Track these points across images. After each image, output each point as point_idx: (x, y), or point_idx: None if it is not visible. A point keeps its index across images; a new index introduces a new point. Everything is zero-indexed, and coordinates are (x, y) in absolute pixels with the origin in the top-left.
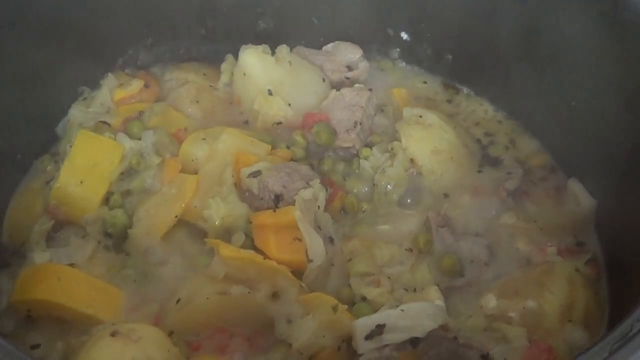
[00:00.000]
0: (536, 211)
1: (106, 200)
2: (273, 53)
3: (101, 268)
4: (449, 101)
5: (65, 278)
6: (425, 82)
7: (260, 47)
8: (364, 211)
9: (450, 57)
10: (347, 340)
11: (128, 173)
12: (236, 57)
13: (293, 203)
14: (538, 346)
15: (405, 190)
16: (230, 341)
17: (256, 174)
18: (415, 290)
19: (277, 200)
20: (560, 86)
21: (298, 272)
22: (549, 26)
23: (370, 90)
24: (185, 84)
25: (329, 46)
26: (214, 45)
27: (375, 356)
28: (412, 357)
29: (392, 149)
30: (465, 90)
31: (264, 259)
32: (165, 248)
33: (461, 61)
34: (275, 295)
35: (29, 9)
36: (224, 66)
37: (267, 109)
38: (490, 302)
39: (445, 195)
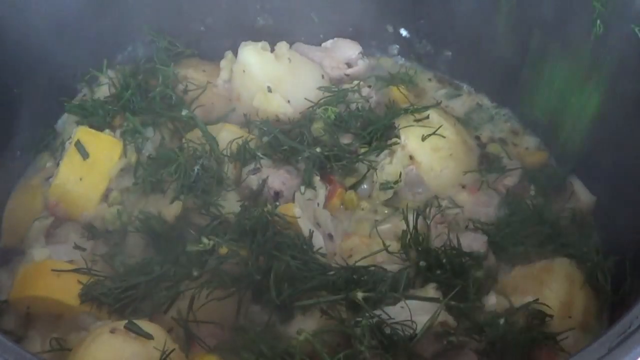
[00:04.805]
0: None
1: (105, 197)
2: (272, 50)
3: (100, 265)
4: (449, 98)
5: (64, 275)
6: (424, 79)
7: (260, 44)
8: (362, 208)
9: (450, 53)
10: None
11: (127, 170)
12: (236, 53)
13: (292, 200)
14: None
15: (404, 187)
16: (229, 337)
17: (256, 171)
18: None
19: (277, 197)
20: (560, 83)
21: None
22: (550, 22)
23: (370, 87)
24: (185, 80)
25: (328, 43)
26: (213, 42)
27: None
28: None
29: (391, 145)
30: (465, 86)
31: None
32: (166, 245)
33: (461, 58)
34: None
35: (27, 5)
36: (223, 63)
37: (266, 106)
38: (490, 298)
39: (445, 192)
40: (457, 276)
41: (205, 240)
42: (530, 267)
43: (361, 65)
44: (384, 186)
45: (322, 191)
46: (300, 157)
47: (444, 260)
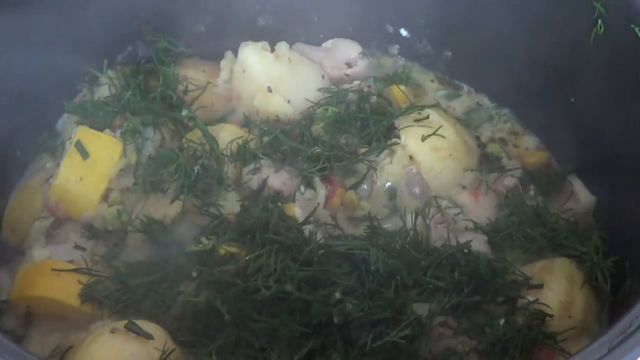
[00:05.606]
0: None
1: (105, 197)
2: (272, 50)
3: (100, 265)
4: (449, 98)
5: (64, 275)
6: (425, 79)
7: (260, 44)
8: (362, 208)
9: (450, 53)
10: None
11: (127, 170)
12: (236, 53)
13: (293, 200)
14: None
15: (404, 187)
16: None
17: (256, 170)
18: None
19: (277, 197)
20: (560, 83)
21: None
22: (550, 22)
23: (370, 87)
24: (185, 80)
25: (328, 43)
26: (214, 42)
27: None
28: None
29: (391, 145)
30: (465, 87)
31: None
32: (165, 245)
33: (461, 58)
34: None
35: (26, 5)
36: (223, 63)
37: (266, 106)
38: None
39: (444, 192)
40: (457, 277)
41: (205, 240)
42: (530, 267)
43: (361, 65)
44: (384, 186)
45: (322, 191)
46: (300, 157)
47: (444, 261)
